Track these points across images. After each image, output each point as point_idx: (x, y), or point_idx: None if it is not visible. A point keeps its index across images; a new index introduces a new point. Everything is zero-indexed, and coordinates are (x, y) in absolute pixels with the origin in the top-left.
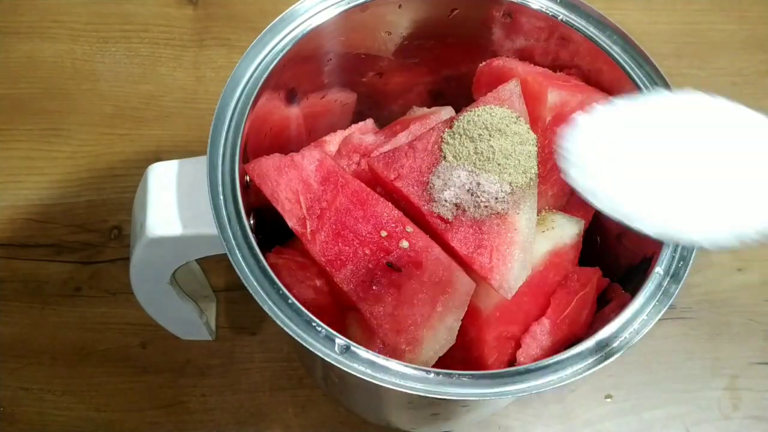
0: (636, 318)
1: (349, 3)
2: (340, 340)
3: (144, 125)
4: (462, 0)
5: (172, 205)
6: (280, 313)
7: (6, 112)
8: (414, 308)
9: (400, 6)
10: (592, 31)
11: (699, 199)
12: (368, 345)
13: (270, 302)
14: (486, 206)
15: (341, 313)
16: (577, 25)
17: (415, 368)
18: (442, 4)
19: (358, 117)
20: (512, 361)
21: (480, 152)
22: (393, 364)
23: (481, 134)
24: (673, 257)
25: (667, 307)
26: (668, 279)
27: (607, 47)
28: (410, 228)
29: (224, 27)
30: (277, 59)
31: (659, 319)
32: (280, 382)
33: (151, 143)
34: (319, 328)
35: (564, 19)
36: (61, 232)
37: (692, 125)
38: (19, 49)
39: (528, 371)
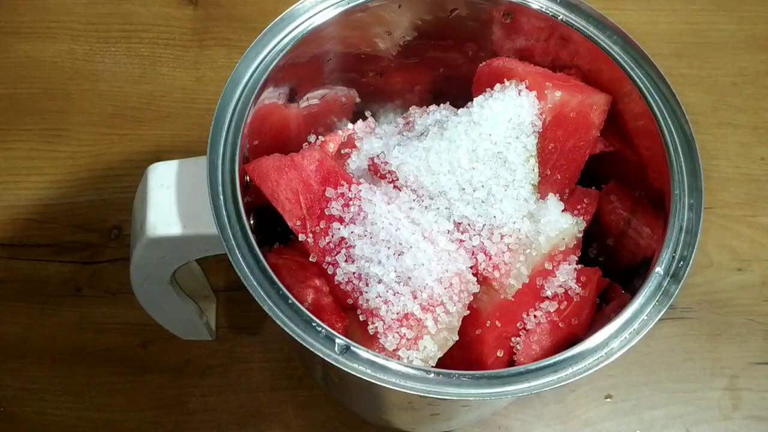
0: (636, 318)
1: (349, 3)
2: (340, 340)
3: (144, 125)
4: (462, 0)
5: (172, 205)
6: (280, 313)
7: (6, 112)
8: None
9: (400, 6)
10: (592, 31)
11: None
12: (368, 345)
13: (270, 302)
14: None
15: (341, 313)
16: (577, 25)
17: (415, 368)
18: (442, 4)
19: (358, 117)
20: (512, 361)
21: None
22: (393, 364)
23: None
24: (673, 257)
25: (667, 307)
26: (668, 279)
27: (607, 47)
28: None
29: (224, 27)
30: (277, 59)
31: (659, 319)
32: (280, 382)
33: (151, 143)
34: (319, 328)
35: (564, 19)
36: (61, 232)
37: None
38: (19, 49)
39: (528, 371)
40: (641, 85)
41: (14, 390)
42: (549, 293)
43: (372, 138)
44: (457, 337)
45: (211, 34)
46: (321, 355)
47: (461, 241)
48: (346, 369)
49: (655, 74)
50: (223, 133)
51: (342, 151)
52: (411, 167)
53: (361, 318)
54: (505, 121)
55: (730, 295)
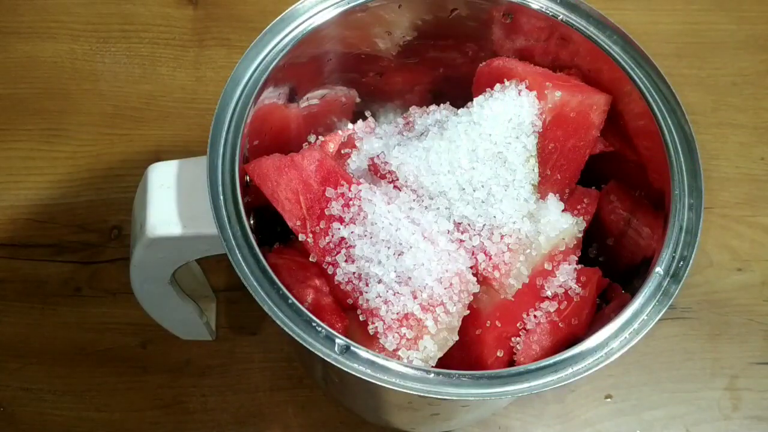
0: (636, 318)
1: (349, 3)
2: (340, 340)
3: (144, 125)
4: (462, 0)
5: (172, 205)
6: (280, 313)
7: (6, 112)
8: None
9: (400, 6)
10: (592, 31)
11: None
12: (368, 345)
13: (270, 302)
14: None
15: (341, 313)
16: (577, 25)
17: (415, 368)
18: (442, 4)
19: (358, 117)
20: (512, 361)
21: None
22: (393, 364)
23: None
24: (673, 257)
25: (667, 307)
26: (668, 279)
27: (607, 47)
28: None
29: (224, 27)
30: (277, 59)
31: (659, 319)
32: (280, 382)
33: (151, 143)
34: (319, 328)
35: (564, 19)
36: (61, 232)
37: None
38: (19, 49)
39: (528, 371)
40: (641, 85)
41: (14, 390)
42: (549, 293)
43: (372, 138)
44: (457, 337)
45: (211, 34)
46: (321, 355)
47: (461, 241)
48: (346, 369)
49: (655, 74)
50: (223, 133)
51: (342, 151)
52: (411, 167)
53: (361, 318)
54: (505, 121)
55: (730, 295)
